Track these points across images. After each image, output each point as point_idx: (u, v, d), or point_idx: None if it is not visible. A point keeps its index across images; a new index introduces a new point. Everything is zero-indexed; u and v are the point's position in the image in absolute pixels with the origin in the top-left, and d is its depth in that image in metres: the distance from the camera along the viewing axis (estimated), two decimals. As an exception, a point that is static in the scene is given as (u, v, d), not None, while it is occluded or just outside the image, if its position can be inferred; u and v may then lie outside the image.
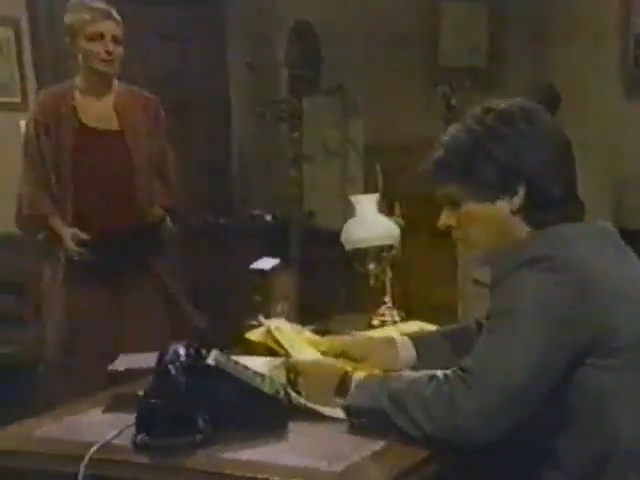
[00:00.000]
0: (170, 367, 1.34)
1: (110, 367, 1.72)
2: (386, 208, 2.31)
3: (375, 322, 2.19)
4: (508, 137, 1.43)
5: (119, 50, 2.66)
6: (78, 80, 2.71)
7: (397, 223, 2.25)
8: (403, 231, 2.24)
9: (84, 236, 2.60)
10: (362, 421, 1.43)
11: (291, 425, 1.43)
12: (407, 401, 1.36)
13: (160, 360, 1.37)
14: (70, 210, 2.65)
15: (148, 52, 3.95)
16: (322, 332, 1.87)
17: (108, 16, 2.65)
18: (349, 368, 1.53)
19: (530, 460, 1.41)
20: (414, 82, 4.21)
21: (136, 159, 2.70)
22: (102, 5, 2.68)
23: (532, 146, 1.43)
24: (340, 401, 1.45)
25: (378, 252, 2.20)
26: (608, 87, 4.04)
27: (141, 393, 1.38)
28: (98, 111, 2.70)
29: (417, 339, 1.69)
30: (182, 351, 1.36)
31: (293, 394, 1.49)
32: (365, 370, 1.55)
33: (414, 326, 2.00)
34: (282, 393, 1.44)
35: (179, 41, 4.03)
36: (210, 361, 1.37)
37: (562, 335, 1.33)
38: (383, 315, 2.20)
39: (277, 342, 1.69)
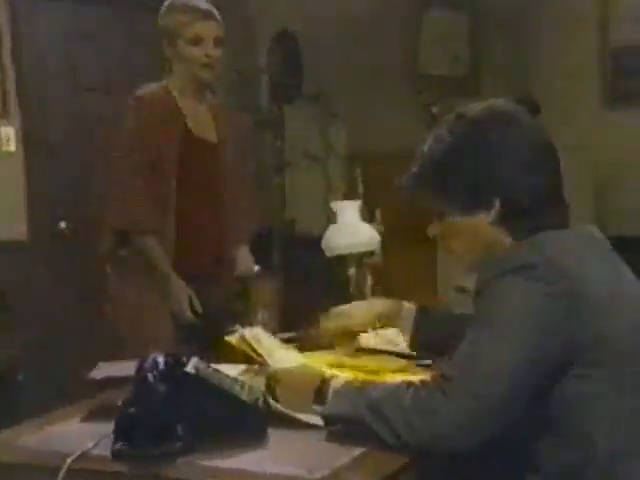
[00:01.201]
0: (149, 375, 1.33)
1: (89, 375, 1.70)
2: (367, 215, 2.32)
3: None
4: (479, 148, 1.40)
5: (219, 53, 2.42)
6: (172, 84, 2.46)
7: (378, 230, 2.26)
8: (384, 238, 2.25)
9: (199, 307, 2.38)
10: (340, 428, 1.42)
11: (271, 433, 1.42)
12: (385, 409, 1.36)
13: (139, 368, 1.37)
14: (172, 224, 2.38)
15: (130, 57, 3.94)
16: (289, 340, 1.88)
17: (209, 16, 2.40)
18: (327, 374, 1.53)
19: (511, 465, 1.40)
20: (396, 90, 4.23)
21: (229, 178, 2.49)
22: (202, 4, 2.42)
23: (505, 156, 1.39)
24: (318, 409, 1.45)
25: (359, 258, 2.21)
26: (588, 96, 4.08)
27: (120, 402, 1.37)
28: (199, 117, 2.47)
29: (421, 312, 1.74)
30: (161, 359, 1.35)
31: (272, 402, 1.49)
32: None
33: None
34: (261, 401, 1.44)
35: (157, 50, 3.99)
36: (189, 369, 1.36)
37: (545, 345, 1.32)
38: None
39: (253, 349, 1.68)
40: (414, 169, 1.48)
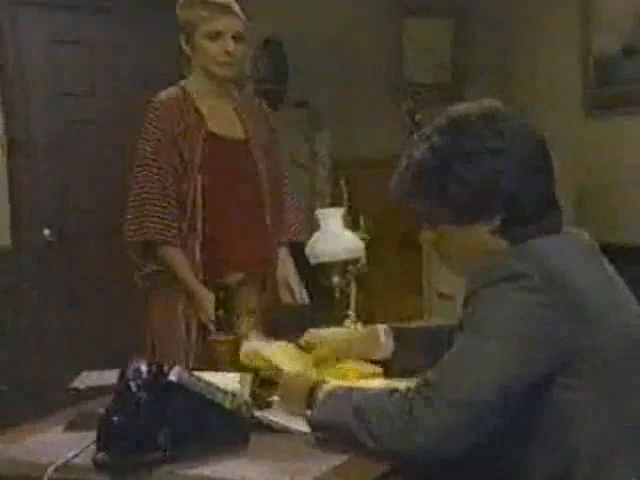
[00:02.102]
0: (131, 384, 1.33)
1: (71, 385, 1.70)
2: (351, 222, 2.32)
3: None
4: (477, 155, 1.35)
5: (240, 49, 2.31)
6: (191, 84, 2.37)
7: (362, 237, 2.26)
8: (368, 245, 2.25)
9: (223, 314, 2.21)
10: (326, 435, 1.42)
11: (253, 440, 1.42)
12: (368, 414, 1.36)
13: (121, 377, 1.36)
14: (199, 236, 2.29)
15: (115, 63, 3.93)
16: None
17: (228, 11, 2.29)
18: (323, 378, 1.53)
19: (496, 472, 1.40)
20: (380, 97, 4.25)
21: (263, 176, 2.38)
22: None
23: (504, 162, 1.35)
24: (309, 413, 1.44)
25: (343, 266, 2.21)
26: (571, 104, 4.11)
27: (102, 411, 1.37)
28: (222, 117, 2.37)
29: (398, 329, 1.72)
30: (143, 368, 1.35)
31: (257, 411, 1.49)
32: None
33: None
34: (244, 409, 1.44)
35: (140, 55, 3.98)
36: (172, 377, 1.36)
37: (532, 355, 1.30)
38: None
39: (266, 361, 1.68)
40: (407, 175, 1.42)
